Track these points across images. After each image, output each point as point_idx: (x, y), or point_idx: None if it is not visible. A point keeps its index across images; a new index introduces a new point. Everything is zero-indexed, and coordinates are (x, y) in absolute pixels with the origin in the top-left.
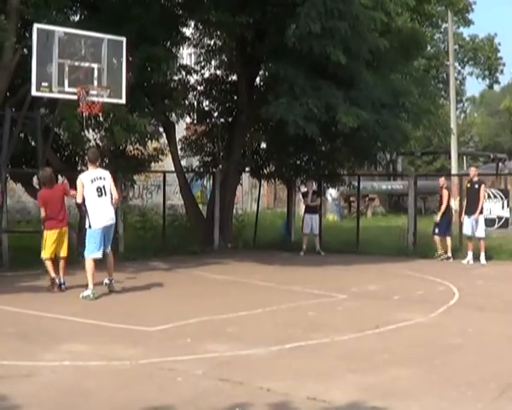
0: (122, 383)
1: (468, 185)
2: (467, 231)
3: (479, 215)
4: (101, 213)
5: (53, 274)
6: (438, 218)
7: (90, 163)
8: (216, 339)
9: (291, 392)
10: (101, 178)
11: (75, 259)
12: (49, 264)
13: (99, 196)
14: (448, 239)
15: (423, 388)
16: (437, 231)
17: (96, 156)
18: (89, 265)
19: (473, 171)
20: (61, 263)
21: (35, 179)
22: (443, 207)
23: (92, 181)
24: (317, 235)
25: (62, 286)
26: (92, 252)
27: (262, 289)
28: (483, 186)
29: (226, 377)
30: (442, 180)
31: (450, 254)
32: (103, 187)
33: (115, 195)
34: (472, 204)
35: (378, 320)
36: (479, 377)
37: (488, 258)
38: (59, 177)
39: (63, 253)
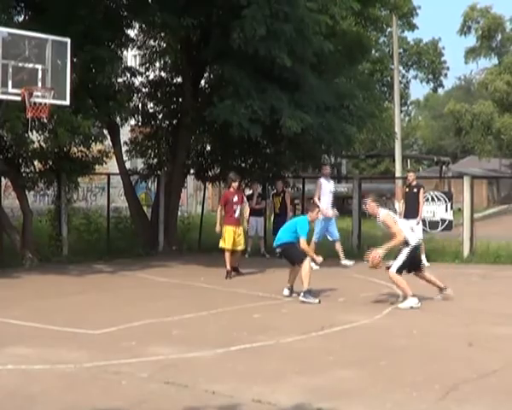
0: (67, 386)
1: (407, 190)
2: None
3: (418, 219)
4: None
5: (228, 267)
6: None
7: None
8: (161, 342)
9: (236, 394)
10: None
11: (19, 262)
12: (227, 255)
13: None
14: None
15: (368, 389)
16: None
17: None
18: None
19: (411, 175)
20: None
21: None
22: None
23: None
24: (261, 237)
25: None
26: None
27: (207, 291)
28: (421, 190)
29: (171, 380)
30: (280, 185)
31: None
32: None
33: None
34: (410, 208)
35: (323, 322)
36: (423, 378)
37: (432, 260)
38: (2, 179)
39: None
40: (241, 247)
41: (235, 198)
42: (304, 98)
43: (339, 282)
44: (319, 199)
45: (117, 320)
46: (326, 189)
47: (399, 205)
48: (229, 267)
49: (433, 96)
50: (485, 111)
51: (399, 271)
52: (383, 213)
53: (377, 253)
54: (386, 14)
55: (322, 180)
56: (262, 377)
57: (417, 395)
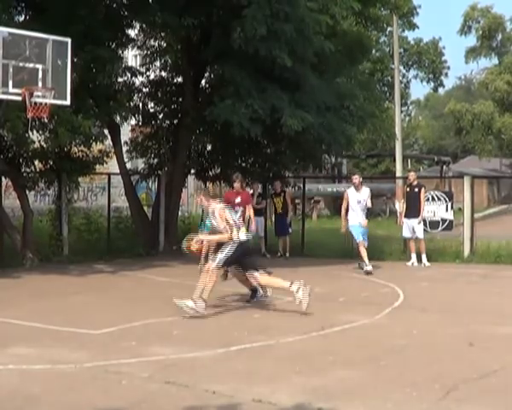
0: (67, 386)
1: (408, 189)
2: (406, 233)
3: (420, 218)
4: None
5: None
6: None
7: None
8: (161, 342)
9: (237, 394)
10: None
11: (19, 262)
12: None
13: None
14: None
15: (368, 389)
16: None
17: None
18: None
19: (412, 175)
20: None
21: None
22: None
23: None
24: (262, 237)
25: None
26: None
27: None
28: (423, 190)
29: (172, 380)
30: (278, 185)
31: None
32: None
33: None
34: (411, 208)
35: (323, 322)
36: (423, 377)
37: (433, 260)
38: (2, 179)
39: None
40: None
41: (238, 199)
42: (304, 98)
43: (339, 282)
44: (346, 210)
45: (117, 320)
46: (353, 199)
47: (400, 205)
48: None
49: (433, 96)
50: (486, 111)
51: (220, 265)
52: (218, 207)
53: (198, 238)
54: (387, 14)
55: (349, 191)
56: (262, 377)
57: (417, 395)
